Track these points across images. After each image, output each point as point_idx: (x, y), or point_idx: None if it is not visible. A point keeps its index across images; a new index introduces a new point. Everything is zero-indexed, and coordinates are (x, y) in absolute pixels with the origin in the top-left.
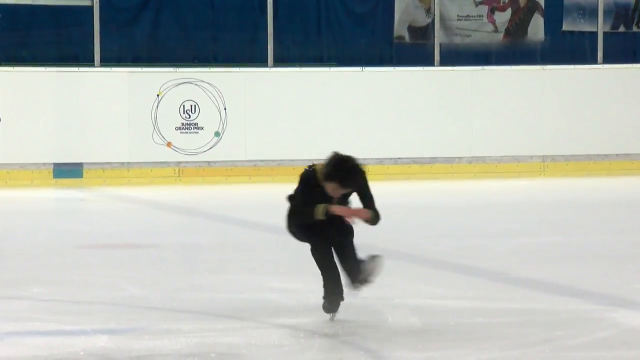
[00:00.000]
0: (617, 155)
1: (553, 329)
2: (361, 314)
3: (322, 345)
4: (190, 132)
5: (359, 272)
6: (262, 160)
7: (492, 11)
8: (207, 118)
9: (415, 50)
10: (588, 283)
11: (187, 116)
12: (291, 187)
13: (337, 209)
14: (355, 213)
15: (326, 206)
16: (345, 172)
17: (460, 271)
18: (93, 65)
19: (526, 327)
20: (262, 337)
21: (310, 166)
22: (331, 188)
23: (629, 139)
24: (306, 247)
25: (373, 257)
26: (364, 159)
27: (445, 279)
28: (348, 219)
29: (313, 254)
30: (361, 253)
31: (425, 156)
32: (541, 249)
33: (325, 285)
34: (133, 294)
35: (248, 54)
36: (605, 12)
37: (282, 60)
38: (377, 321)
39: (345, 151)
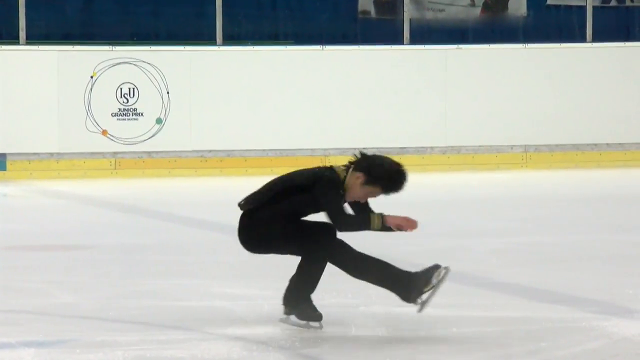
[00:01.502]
0: (608, 145)
1: (537, 340)
2: (323, 322)
3: (277, 359)
4: (128, 119)
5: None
6: (209, 151)
7: None
8: (147, 103)
9: (382, 27)
10: (576, 288)
11: (125, 101)
12: (243, 181)
13: (392, 220)
14: (412, 224)
15: (381, 215)
16: (398, 184)
17: None
18: (17, 43)
19: (507, 338)
20: (210, 349)
21: (329, 167)
22: (364, 192)
23: (622, 126)
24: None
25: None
26: (323, 149)
27: None
28: (402, 229)
29: (317, 252)
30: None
31: (393, 146)
32: (524, 249)
33: (310, 290)
34: (64, 301)
35: (194, 31)
36: None
37: (232, 37)
38: (339, 332)
39: (302, 140)
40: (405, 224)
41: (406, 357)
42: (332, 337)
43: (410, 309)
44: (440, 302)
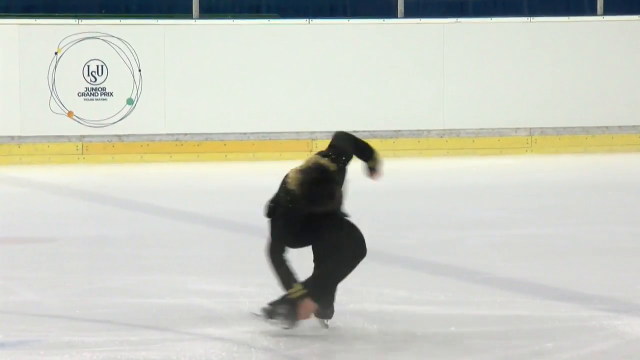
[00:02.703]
0: (620, 127)
1: (542, 341)
2: (307, 322)
3: None
4: (96, 100)
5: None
6: (185, 134)
7: None
8: (117, 82)
9: None
10: (584, 284)
11: (93, 79)
12: (222, 167)
13: None
14: None
15: None
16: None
17: (429, 270)
18: None
19: (509, 338)
20: (186, 351)
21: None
22: None
23: (635, 107)
24: (243, 242)
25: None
26: (310, 132)
27: (411, 279)
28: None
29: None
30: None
31: (386, 129)
32: (528, 242)
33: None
34: (27, 299)
35: (168, 3)
36: None
37: (209, 10)
38: (327, 331)
39: (286, 123)
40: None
41: (400, 358)
42: (320, 337)
43: (403, 307)
44: (437, 300)
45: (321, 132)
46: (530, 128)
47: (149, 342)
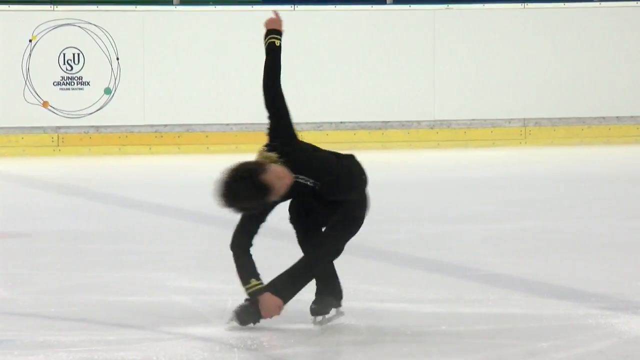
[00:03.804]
0: (618, 118)
1: (537, 340)
2: (293, 320)
3: None
4: (72, 89)
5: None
6: (165, 125)
7: None
8: (94, 71)
9: None
10: (581, 281)
11: (69, 68)
12: (204, 159)
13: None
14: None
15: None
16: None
17: (419, 266)
18: None
19: (503, 337)
20: (166, 351)
21: None
22: None
23: (634, 97)
24: (225, 237)
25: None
26: (296, 123)
27: (400, 276)
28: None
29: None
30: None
31: (374, 120)
32: (522, 237)
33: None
34: None
35: None
36: None
37: None
38: (314, 330)
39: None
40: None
41: (389, 357)
42: (307, 336)
43: (393, 304)
44: (427, 297)
45: (306, 123)
46: (525, 119)
47: (128, 341)
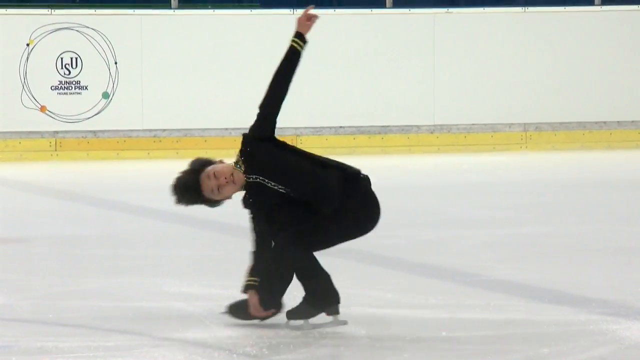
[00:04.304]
0: (618, 123)
1: (538, 346)
2: (293, 326)
3: None
4: (70, 93)
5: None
6: (164, 130)
7: None
8: (92, 75)
9: None
10: (582, 286)
11: (67, 72)
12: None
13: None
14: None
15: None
16: None
17: (419, 271)
18: None
19: (503, 343)
20: (165, 357)
21: None
22: None
23: (634, 102)
24: (223, 243)
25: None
26: (294, 128)
27: (400, 281)
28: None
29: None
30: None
31: (374, 124)
32: (522, 242)
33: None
34: None
35: None
36: None
37: (189, 0)
38: (313, 336)
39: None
40: (307, 17)
41: None
42: (306, 342)
43: (393, 310)
44: (428, 303)
45: (306, 127)
46: (525, 123)
47: (126, 347)
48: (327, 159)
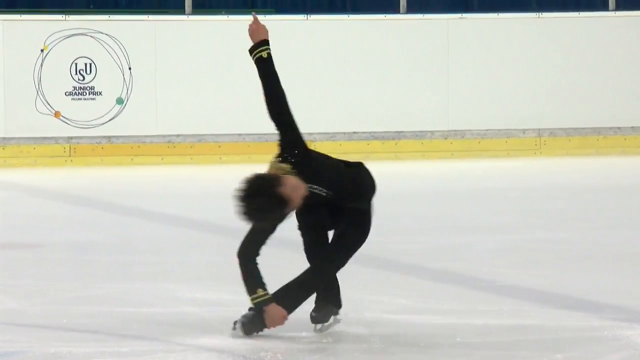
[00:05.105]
0: (633, 128)
1: (551, 352)
2: (305, 331)
3: None
4: (84, 99)
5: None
6: (178, 136)
7: None
8: (106, 80)
9: None
10: (596, 292)
11: (81, 78)
12: (216, 170)
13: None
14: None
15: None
16: None
17: (432, 277)
18: None
19: (516, 349)
20: None
21: None
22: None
23: None
24: (235, 248)
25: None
26: (308, 133)
27: (413, 287)
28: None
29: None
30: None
31: (387, 130)
32: (536, 248)
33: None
34: (9, 307)
35: None
36: None
37: (202, 5)
38: (326, 341)
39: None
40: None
41: None
42: (319, 349)
43: (406, 315)
44: (441, 308)
45: (319, 133)
46: (539, 129)
47: (139, 353)
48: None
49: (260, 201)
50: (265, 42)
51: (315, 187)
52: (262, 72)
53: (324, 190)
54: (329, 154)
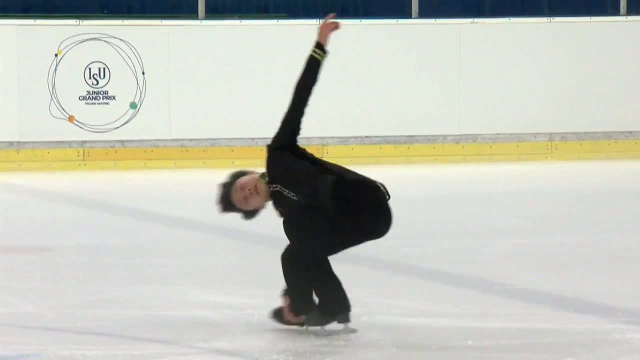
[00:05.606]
0: None
1: (563, 355)
2: (318, 335)
3: None
4: (98, 103)
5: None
6: (191, 140)
7: None
8: (120, 85)
9: None
10: (607, 295)
11: (95, 82)
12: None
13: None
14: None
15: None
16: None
17: (445, 281)
18: None
19: (528, 352)
20: None
21: None
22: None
23: None
24: (249, 252)
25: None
26: (320, 137)
27: (426, 290)
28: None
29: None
30: None
31: (399, 134)
32: (547, 251)
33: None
34: (24, 310)
35: (172, 3)
36: None
37: (215, 10)
38: (339, 345)
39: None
40: (326, 26)
41: None
42: (332, 352)
43: (418, 319)
44: (453, 312)
45: (332, 137)
46: (551, 133)
47: (153, 356)
48: (340, 167)
49: (219, 193)
50: (324, 48)
51: (279, 186)
52: (308, 71)
53: (286, 191)
54: (340, 161)
